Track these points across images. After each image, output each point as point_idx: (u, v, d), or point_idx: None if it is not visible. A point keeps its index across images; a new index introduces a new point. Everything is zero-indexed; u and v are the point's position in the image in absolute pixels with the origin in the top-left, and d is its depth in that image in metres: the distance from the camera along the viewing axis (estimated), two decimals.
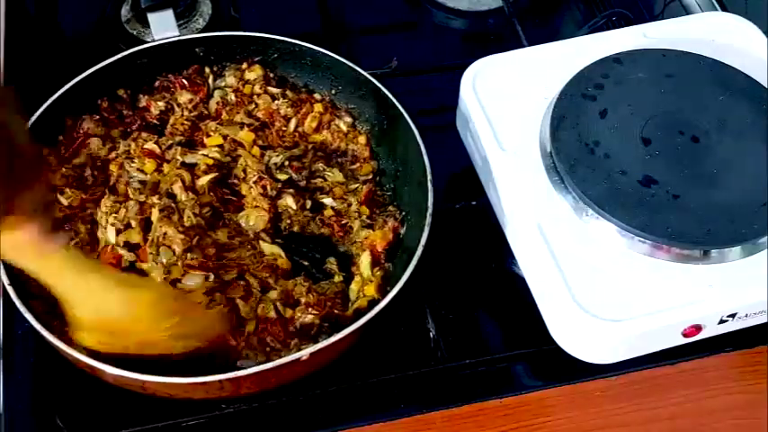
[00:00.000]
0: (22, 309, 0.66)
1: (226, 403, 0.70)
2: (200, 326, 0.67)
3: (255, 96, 0.84)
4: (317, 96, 0.85)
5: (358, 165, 0.83)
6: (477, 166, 0.80)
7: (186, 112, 0.83)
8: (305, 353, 0.64)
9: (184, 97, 0.83)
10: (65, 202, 0.75)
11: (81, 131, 0.80)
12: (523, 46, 0.92)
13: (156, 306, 0.64)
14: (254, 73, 0.85)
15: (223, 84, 0.85)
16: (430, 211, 0.72)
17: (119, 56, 0.81)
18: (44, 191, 0.58)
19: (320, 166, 0.81)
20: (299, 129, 0.83)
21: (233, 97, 0.84)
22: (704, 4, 1.02)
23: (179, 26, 0.96)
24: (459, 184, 0.86)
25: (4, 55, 0.93)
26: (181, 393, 0.66)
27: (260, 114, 0.83)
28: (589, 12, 1.04)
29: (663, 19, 0.98)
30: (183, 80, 0.84)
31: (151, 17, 0.92)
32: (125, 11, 0.99)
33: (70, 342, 0.64)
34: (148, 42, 0.86)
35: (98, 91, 0.81)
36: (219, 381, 0.63)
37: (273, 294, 0.72)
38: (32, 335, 0.72)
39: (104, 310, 0.62)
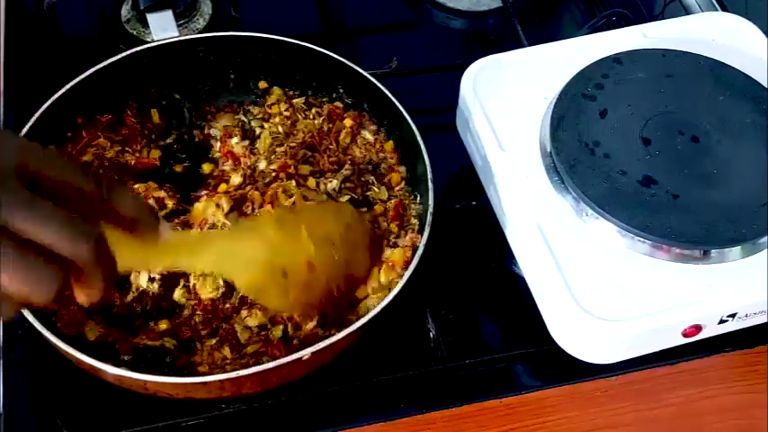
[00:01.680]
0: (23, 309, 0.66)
1: (226, 403, 0.70)
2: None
3: (287, 121, 0.83)
4: (338, 105, 0.84)
5: (389, 175, 0.81)
6: (477, 166, 0.80)
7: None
8: (306, 352, 0.64)
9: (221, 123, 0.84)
10: None
11: (91, 130, 0.80)
12: (523, 46, 0.92)
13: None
14: (275, 96, 0.85)
15: (251, 118, 0.84)
16: (430, 210, 0.72)
17: (119, 56, 0.81)
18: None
19: (370, 178, 0.80)
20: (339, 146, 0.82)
21: (280, 129, 0.83)
22: (704, 4, 1.02)
23: (180, 26, 0.96)
24: (459, 184, 0.86)
25: (4, 55, 0.93)
26: (182, 393, 0.66)
27: (304, 137, 0.82)
28: (589, 12, 1.04)
29: (663, 19, 0.98)
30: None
31: (150, 18, 0.92)
32: (125, 11, 0.99)
33: (70, 342, 0.65)
34: (149, 42, 0.86)
35: (98, 92, 0.81)
36: (221, 381, 0.63)
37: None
38: (32, 335, 0.72)
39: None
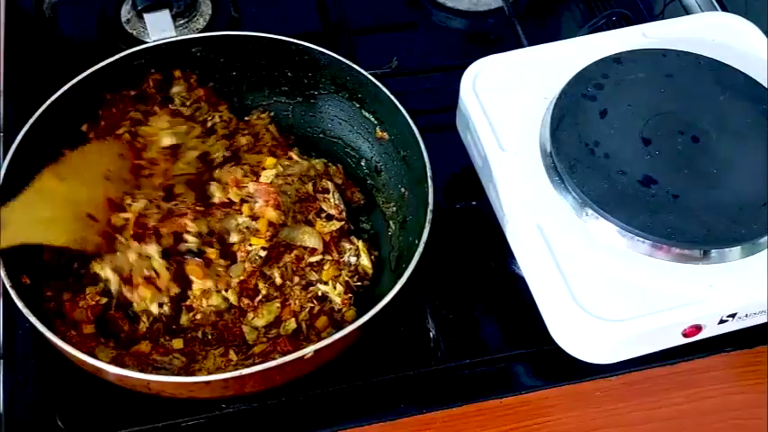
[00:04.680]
0: (23, 309, 0.66)
1: (227, 403, 0.70)
2: None
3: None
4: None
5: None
6: (477, 166, 0.80)
7: None
8: (309, 350, 0.64)
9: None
10: None
11: (120, 106, 0.80)
12: (523, 46, 0.92)
13: None
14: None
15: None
16: (430, 207, 0.72)
17: (116, 56, 0.81)
18: None
19: None
20: None
21: None
22: (704, 4, 1.02)
23: (180, 26, 0.96)
24: (459, 184, 0.86)
25: (4, 55, 0.93)
26: (185, 393, 0.66)
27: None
28: (589, 12, 1.04)
29: (663, 19, 0.98)
30: None
31: (148, 18, 0.91)
32: (125, 11, 0.99)
33: (71, 342, 0.65)
34: (147, 42, 0.86)
35: (96, 92, 0.81)
36: (224, 380, 0.63)
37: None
38: (32, 335, 0.72)
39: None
